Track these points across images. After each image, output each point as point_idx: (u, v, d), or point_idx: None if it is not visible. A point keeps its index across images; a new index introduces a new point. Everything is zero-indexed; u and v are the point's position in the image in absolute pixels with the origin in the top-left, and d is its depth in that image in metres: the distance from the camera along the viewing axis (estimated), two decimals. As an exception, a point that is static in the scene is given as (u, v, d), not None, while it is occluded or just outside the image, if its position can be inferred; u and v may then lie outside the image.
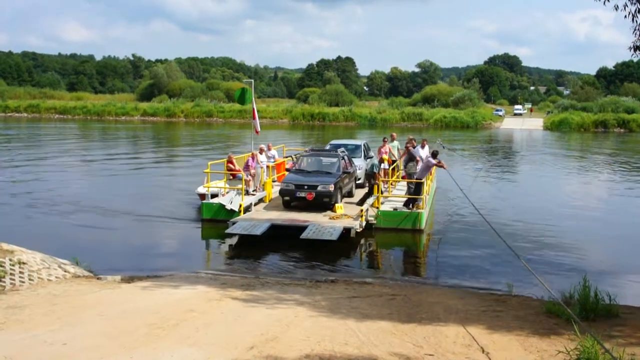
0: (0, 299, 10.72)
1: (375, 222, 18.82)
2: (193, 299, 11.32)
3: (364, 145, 25.98)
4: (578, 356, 7.65)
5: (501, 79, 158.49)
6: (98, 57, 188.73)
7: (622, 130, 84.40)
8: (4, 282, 11.54)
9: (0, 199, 23.59)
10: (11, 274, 11.89)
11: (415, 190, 19.20)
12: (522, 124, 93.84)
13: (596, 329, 9.13)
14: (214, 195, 20.29)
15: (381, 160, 22.41)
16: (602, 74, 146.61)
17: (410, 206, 19.06)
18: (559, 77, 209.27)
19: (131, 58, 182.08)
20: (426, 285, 14.15)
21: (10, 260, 12.32)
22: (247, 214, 19.18)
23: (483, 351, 8.55)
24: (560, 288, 11.80)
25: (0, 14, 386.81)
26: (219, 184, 21.07)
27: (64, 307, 10.41)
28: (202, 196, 20.84)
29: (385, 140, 24.19)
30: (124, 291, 12.03)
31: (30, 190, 25.87)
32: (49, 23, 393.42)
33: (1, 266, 11.93)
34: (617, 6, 11.52)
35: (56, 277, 12.55)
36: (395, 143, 24.87)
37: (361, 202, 20.41)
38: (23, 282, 11.82)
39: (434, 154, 19.50)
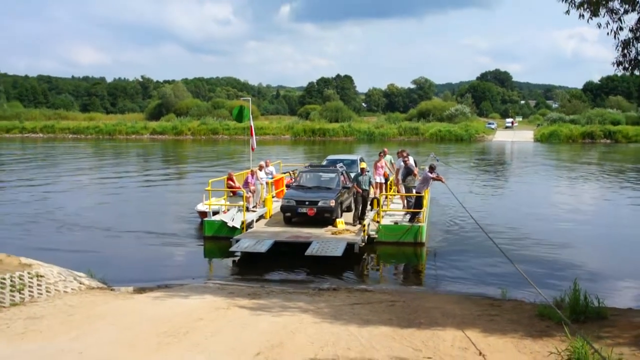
0: (19, 310, 10.76)
1: (376, 236, 18.17)
2: (202, 308, 11.34)
3: (359, 159, 25.36)
4: (569, 356, 7.68)
5: (493, 93, 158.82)
6: (109, 79, 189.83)
7: (608, 141, 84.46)
8: (23, 294, 11.57)
9: (18, 217, 23.65)
10: (30, 286, 11.92)
11: (416, 203, 18.69)
12: (513, 136, 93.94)
13: (586, 330, 9.13)
14: (214, 213, 19.68)
15: (362, 172, 19.90)
16: (589, 87, 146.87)
17: (412, 219, 18.52)
18: (548, 91, 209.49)
19: (140, 79, 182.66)
20: (424, 292, 14.17)
21: (29, 273, 12.36)
22: (250, 230, 18.53)
23: (479, 354, 8.57)
24: (551, 292, 11.84)
25: (17, 40, 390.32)
26: (218, 201, 20.54)
27: (79, 317, 10.44)
28: (202, 214, 20.32)
29: (382, 154, 23.38)
30: (136, 301, 12.06)
31: (46, 209, 25.92)
32: (62, 48, 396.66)
33: (20, 279, 11.97)
34: (600, 24, 11.65)
35: (72, 289, 12.58)
36: (389, 157, 23.88)
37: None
38: (41, 294, 11.86)
39: (431, 168, 19.01)
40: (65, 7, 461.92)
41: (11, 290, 11.49)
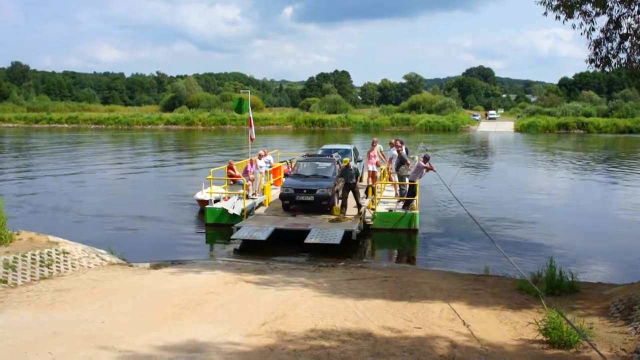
0: (48, 283, 10.79)
1: (372, 223, 17.55)
2: (212, 283, 11.35)
3: (353, 149, 24.50)
4: (545, 327, 7.70)
5: (477, 88, 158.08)
6: (127, 75, 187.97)
7: (581, 131, 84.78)
8: (51, 269, 11.60)
9: (44, 201, 23.72)
10: (57, 262, 11.95)
11: (409, 192, 18.16)
12: (495, 127, 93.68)
13: (560, 302, 9.17)
14: (216, 201, 18.76)
15: (347, 167, 17.96)
16: (564, 83, 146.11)
17: (406, 207, 17.98)
18: (527, 86, 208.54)
19: (156, 75, 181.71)
20: (414, 269, 14.19)
21: (56, 250, 12.38)
22: (250, 218, 17.63)
23: (464, 324, 8.59)
24: (530, 268, 11.87)
25: (46, 40, 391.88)
26: (218, 190, 19.38)
27: (102, 290, 10.47)
28: (201, 202, 19.59)
29: (373, 144, 22.24)
30: (152, 276, 12.08)
31: (70, 193, 26.08)
32: (86, 46, 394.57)
33: (49, 255, 11.99)
34: (574, 25, 11.63)
35: (95, 265, 12.61)
36: (379, 146, 22.69)
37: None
38: (67, 268, 11.88)
39: (426, 159, 18.53)
40: (88, 9, 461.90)
41: (41, 265, 11.52)
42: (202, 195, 19.96)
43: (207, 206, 18.44)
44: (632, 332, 7.91)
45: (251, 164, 20.29)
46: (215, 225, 18.06)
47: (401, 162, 19.28)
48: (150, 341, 7.57)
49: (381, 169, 21.18)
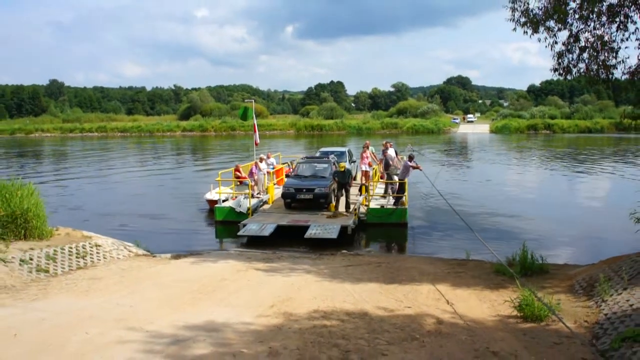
0: (83, 272, 10.81)
1: (366, 218, 17.13)
2: (226, 270, 11.35)
3: (348, 151, 24.26)
4: (519, 303, 7.73)
5: (456, 94, 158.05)
6: (149, 88, 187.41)
7: (547, 131, 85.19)
8: (86, 260, 11.62)
9: (78, 202, 23.72)
10: (90, 253, 11.97)
11: (399, 189, 17.84)
12: (473, 128, 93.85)
13: (532, 282, 9.22)
14: (224, 200, 18.47)
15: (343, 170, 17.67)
16: (532, 89, 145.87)
17: (396, 203, 17.57)
18: (500, 92, 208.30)
19: (173, 87, 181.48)
20: (404, 256, 14.20)
21: (89, 243, 12.40)
22: (255, 215, 17.32)
23: (449, 303, 8.62)
24: (506, 253, 11.88)
25: (78, 60, 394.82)
26: (226, 190, 19.22)
27: (129, 278, 10.49)
28: (210, 202, 19.31)
29: (365, 147, 21.54)
30: (173, 266, 12.07)
31: (97, 196, 26.05)
32: (112, 64, 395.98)
33: (83, 248, 12.02)
34: (540, 39, 11.68)
35: (123, 256, 12.62)
36: (372, 148, 22.19)
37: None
38: (99, 259, 11.90)
39: (410, 158, 18.22)
40: (114, 31, 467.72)
41: (77, 257, 11.54)
42: (211, 195, 19.70)
43: (217, 205, 18.18)
44: (593, 306, 7.96)
45: (256, 166, 20.07)
46: (224, 223, 17.79)
47: (388, 162, 19.11)
48: (173, 322, 7.59)
49: (373, 169, 20.99)
